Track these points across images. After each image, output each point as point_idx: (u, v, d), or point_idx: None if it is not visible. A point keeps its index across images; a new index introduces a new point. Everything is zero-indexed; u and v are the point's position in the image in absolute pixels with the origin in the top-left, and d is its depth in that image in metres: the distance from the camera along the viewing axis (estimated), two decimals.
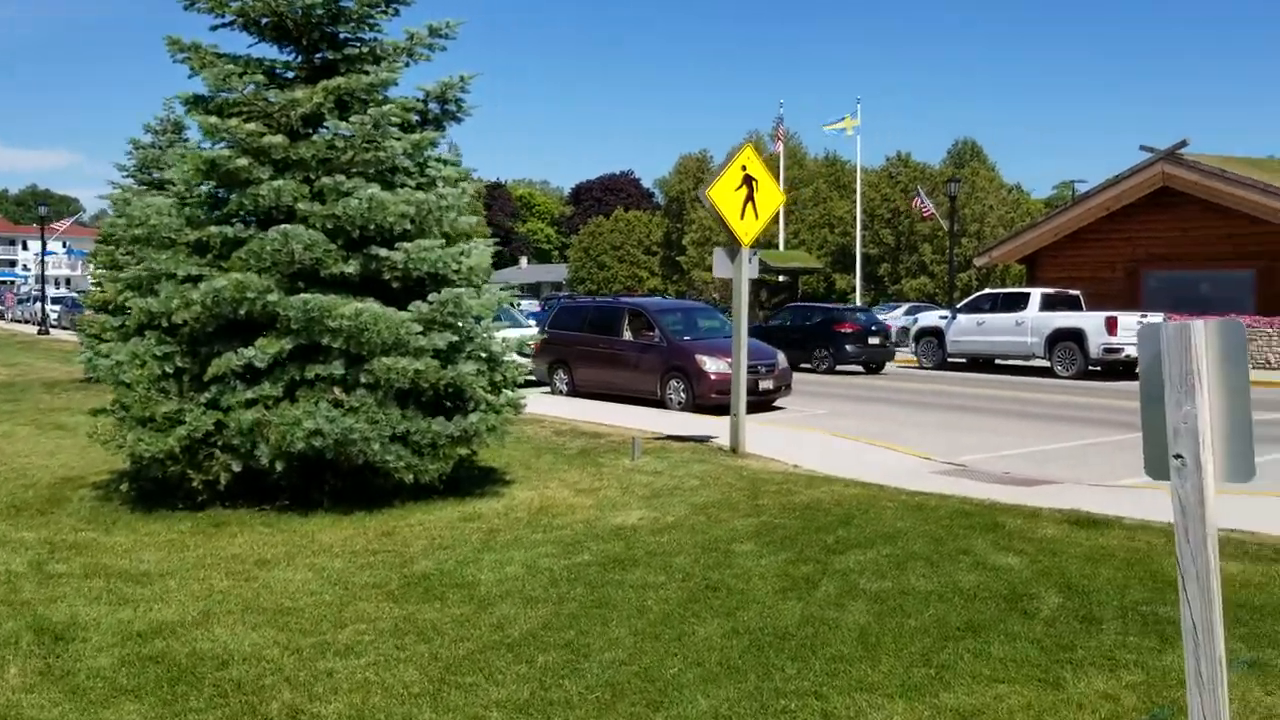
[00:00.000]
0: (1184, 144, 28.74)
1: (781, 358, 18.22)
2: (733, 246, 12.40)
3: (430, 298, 8.77)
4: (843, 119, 44.95)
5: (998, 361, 26.65)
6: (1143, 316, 24.22)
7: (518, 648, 5.30)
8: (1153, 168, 29.22)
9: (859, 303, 45.27)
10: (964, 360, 27.06)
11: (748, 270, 12.33)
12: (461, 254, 9.06)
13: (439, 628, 5.62)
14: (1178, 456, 3.48)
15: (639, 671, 4.98)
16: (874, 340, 25.69)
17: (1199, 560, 3.45)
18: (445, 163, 9.85)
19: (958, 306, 28.09)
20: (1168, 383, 3.50)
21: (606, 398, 18.48)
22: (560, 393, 19.69)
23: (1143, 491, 10.34)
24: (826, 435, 14.14)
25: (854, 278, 46.19)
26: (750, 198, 12.32)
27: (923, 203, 40.24)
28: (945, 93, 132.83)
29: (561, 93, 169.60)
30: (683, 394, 17.28)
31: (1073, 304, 25.94)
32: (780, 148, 47.13)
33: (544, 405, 17.44)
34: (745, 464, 11.30)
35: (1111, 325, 23.46)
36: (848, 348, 25.54)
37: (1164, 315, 25.97)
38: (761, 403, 17.53)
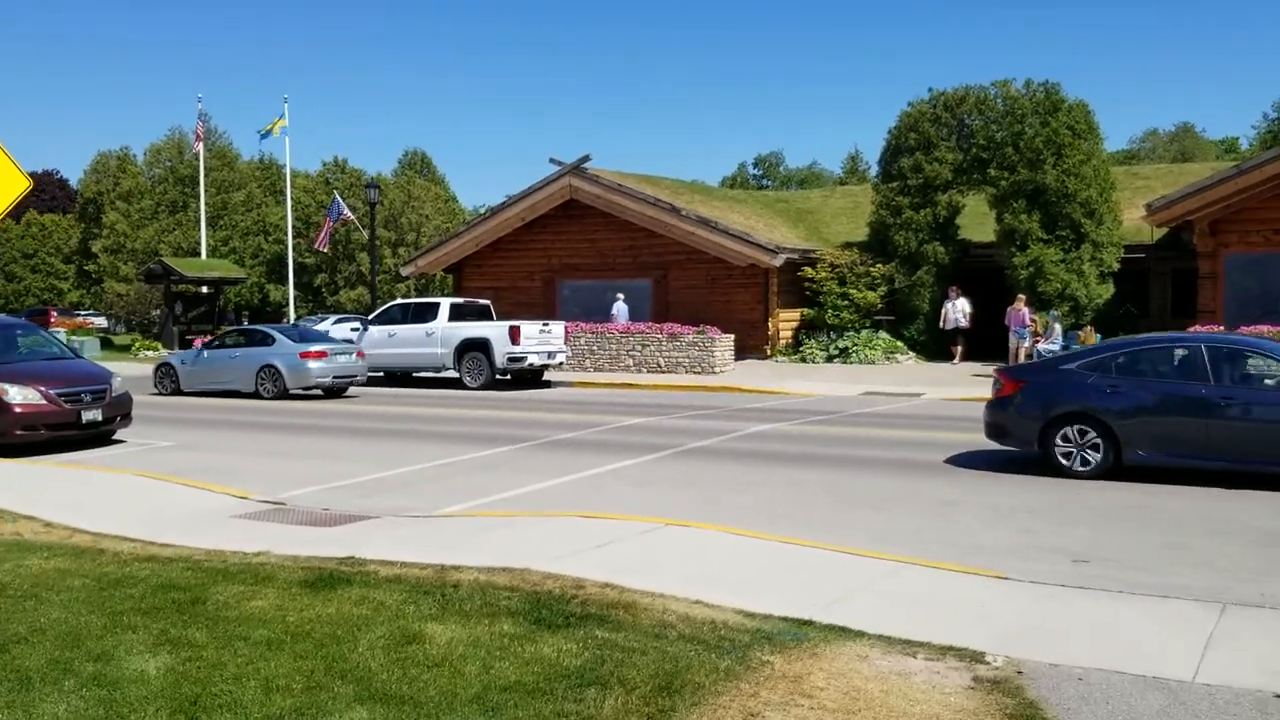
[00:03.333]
0: (587, 159, 29.73)
1: (118, 382, 15.22)
2: None
3: None
4: (273, 122, 41.84)
5: (415, 375, 25.32)
6: (544, 325, 24.31)
7: None
8: (560, 180, 29.92)
9: (293, 316, 42.25)
10: (381, 374, 25.38)
11: None
12: None
13: None
14: None
15: None
16: None
17: None
18: None
19: (369, 318, 26.52)
20: None
21: None
22: None
23: (446, 522, 9.13)
24: (134, 476, 11.59)
25: (289, 288, 43.07)
26: None
27: (340, 212, 38.19)
28: (397, 105, 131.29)
29: None
30: None
31: (483, 313, 25.44)
32: (200, 147, 42.67)
33: None
34: None
35: (514, 334, 23.17)
36: None
37: (567, 323, 26.49)
38: (90, 437, 14.48)
